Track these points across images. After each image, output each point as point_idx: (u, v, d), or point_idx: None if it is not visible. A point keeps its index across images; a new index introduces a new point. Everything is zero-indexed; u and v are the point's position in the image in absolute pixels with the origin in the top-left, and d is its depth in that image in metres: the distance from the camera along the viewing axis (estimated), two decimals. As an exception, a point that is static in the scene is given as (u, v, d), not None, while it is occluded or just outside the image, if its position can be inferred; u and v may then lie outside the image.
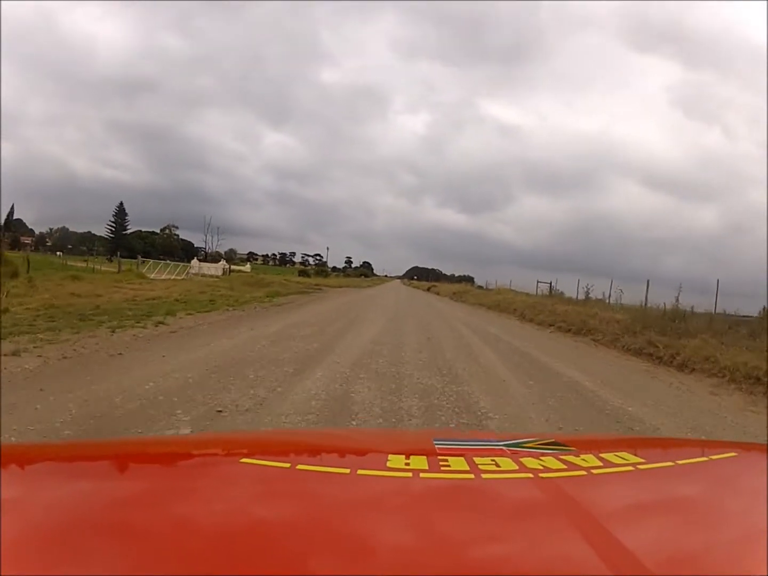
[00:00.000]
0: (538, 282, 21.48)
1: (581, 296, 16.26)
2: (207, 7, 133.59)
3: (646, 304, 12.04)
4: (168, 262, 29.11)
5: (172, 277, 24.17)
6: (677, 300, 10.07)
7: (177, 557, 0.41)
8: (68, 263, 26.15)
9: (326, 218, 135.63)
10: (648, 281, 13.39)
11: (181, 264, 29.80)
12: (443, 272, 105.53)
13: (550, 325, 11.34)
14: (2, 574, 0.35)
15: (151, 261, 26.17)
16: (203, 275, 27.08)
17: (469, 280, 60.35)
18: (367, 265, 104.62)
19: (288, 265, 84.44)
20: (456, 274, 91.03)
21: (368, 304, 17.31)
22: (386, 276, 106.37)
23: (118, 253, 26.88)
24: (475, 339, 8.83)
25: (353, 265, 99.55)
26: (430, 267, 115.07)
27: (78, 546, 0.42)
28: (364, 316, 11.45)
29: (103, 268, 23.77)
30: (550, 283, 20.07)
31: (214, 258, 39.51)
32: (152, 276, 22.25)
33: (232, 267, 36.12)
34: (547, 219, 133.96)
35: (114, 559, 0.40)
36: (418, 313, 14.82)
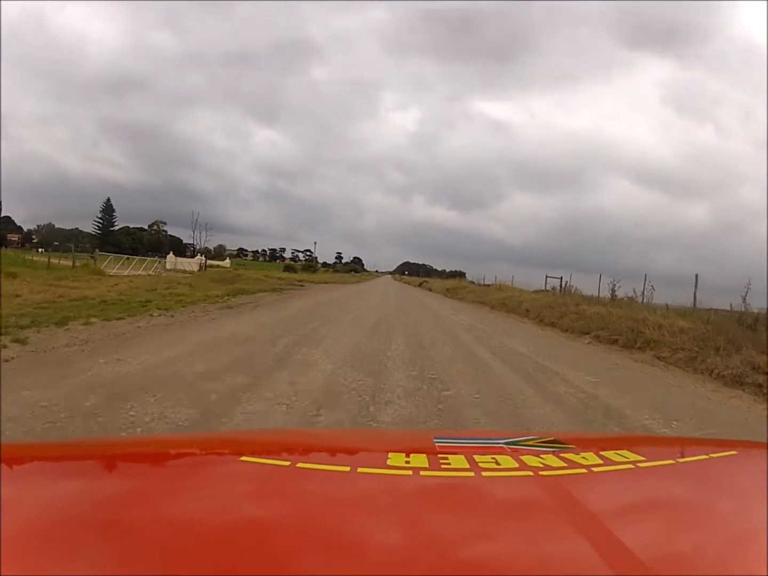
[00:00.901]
0: (547, 277, 18.60)
1: (599, 294, 13.75)
2: (196, 5, 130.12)
3: (695, 305, 9.76)
4: (131, 257, 26.92)
5: (138, 272, 22.39)
6: (744, 300, 8.14)
7: (177, 555, 0.41)
8: (33, 258, 24.78)
9: (317, 216, 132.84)
10: (696, 276, 10.83)
11: (149, 259, 27.73)
12: (434, 268, 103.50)
13: (584, 333, 8.61)
14: (2, 573, 0.35)
15: (112, 256, 23.73)
16: (176, 270, 25.97)
17: (460, 275, 58.61)
18: (357, 261, 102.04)
19: (278, 260, 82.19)
20: (447, 270, 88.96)
21: (348, 304, 14.24)
22: (377, 272, 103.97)
23: (72, 247, 24.62)
24: (511, 374, 5.22)
25: (343, 261, 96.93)
26: (421, 263, 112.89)
27: (76, 545, 0.42)
28: (334, 326, 8.29)
29: (61, 263, 22.02)
30: (561, 279, 17.19)
31: (202, 254, 37.24)
32: (113, 272, 20.75)
33: (212, 262, 34.17)
34: (538, 216, 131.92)
35: (113, 558, 0.40)
36: (409, 318, 11.35)
